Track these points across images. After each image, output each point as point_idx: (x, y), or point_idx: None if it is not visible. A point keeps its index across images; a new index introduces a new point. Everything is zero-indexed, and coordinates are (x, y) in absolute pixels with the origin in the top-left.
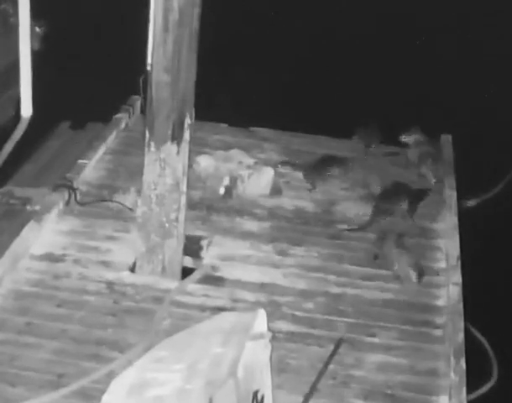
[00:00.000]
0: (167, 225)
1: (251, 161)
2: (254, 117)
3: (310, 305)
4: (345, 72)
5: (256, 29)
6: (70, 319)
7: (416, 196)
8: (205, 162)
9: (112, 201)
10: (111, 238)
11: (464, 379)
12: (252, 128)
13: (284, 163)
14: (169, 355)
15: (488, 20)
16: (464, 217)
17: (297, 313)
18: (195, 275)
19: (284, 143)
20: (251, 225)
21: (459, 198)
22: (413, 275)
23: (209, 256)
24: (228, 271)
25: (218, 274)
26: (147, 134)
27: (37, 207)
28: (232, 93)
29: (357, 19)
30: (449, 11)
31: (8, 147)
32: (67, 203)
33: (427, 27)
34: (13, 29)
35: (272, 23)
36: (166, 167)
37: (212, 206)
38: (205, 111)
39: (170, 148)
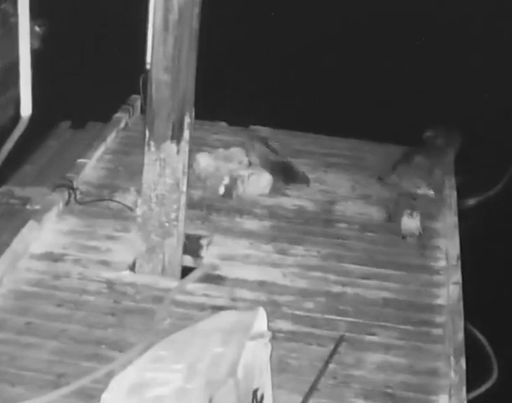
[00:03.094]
0: (167, 225)
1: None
2: (254, 116)
3: (310, 304)
4: (345, 71)
5: (256, 28)
6: (69, 319)
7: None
8: (205, 161)
9: (111, 200)
10: (111, 238)
11: (464, 378)
12: (252, 127)
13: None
14: (168, 355)
15: (487, 24)
16: (464, 216)
17: (297, 312)
18: (195, 275)
19: (285, 143)
20: (251, 224)
21: (459, 198)
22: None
23: (209, 255)
24: (228, 270)
25: (218, 273)
26: (147, 134)
27: (37, 207)
28: (232, 92)
29: (358, 18)
30: (449, 11)
31: (8, 146)
32: (67, 203)
33: (427, 27)
34: (13, 29)
35: (272, 22)
36: (166, 167)
37: (212, 206)
38: (204, 110)
39: (170, 147)
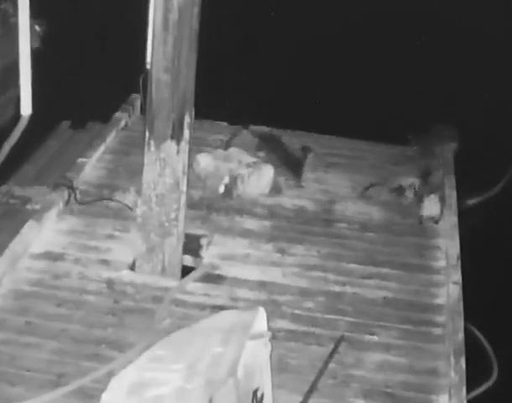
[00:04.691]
0: (167, 224)
1: (250, 160)
2: (254, 116)
3: (309, 304)
4: (346, 71)
5: (256, 28)
6: (69, 319)
7: None
8: (204, 161)
9: (111, 200)
10: (111, 238)
11: (464, 378)
12: (252, 127)
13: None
14: (168, 354)
15: (487, 24)
16: (464, 216)
17: (297, 312)
18: (195, 274)
19: (285, 142)
20: (251, 224)
21: (459, 198)
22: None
23: (209, 255)
24: (228, 270)
25: (218, 272)
26: (147, 133)
27: (37, 207)
28: (232, 92)
29: (358, 18)
30: (449, 11)
31: (8, 146)
32: (67, 202)
33: (427, 27)
34: (13, 29)
35: (272, 22)
36: (166, 166)
37: (212, 206)
38: (204, 110)
39: (170, 147)
